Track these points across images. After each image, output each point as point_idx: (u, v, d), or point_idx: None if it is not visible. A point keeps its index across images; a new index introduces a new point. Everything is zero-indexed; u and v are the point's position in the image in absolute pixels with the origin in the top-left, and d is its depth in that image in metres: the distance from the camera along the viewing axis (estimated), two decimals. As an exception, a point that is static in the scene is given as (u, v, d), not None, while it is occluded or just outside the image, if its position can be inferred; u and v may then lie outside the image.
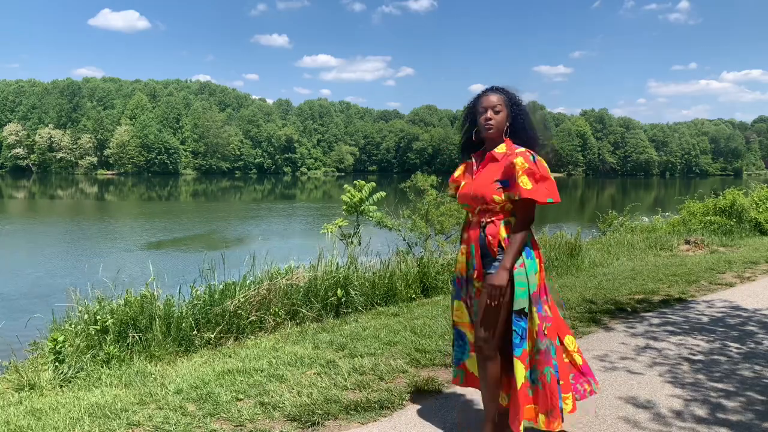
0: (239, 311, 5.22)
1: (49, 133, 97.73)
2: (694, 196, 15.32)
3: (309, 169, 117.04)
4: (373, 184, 10.63)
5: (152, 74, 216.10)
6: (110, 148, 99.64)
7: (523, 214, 2.82)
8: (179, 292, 5.46)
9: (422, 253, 7.91)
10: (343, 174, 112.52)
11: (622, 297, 6.52)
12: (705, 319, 5.66)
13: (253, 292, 5.42)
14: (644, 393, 3.70)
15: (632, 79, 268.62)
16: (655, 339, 4.93)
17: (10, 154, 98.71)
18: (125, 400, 3.54)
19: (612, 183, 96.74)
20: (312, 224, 26.11)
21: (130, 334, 4.70)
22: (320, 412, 3.34)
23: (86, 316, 4.85)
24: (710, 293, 6.86)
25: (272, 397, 3.55)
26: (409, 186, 11.25)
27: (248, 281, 5.73)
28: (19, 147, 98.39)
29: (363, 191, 10.41)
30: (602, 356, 4.44)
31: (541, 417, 2.86)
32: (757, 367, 4.22)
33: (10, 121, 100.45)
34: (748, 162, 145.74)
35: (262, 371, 4.01)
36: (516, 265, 2.79)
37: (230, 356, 4.49)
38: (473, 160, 3.01)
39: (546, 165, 2.85)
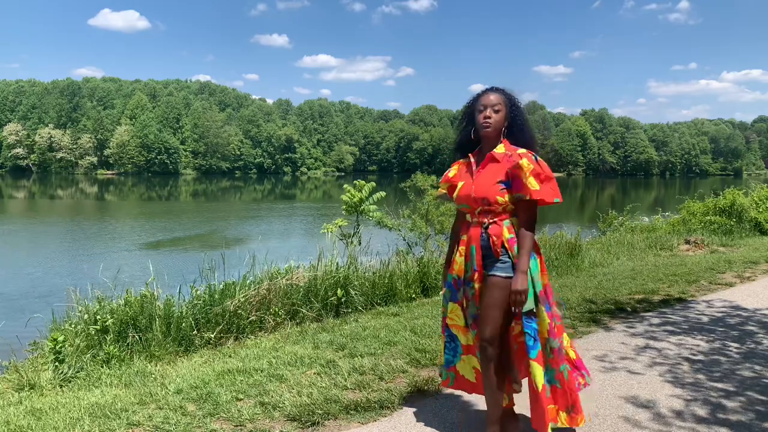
0: (239, 311, 5.22)
1: (49, 133, 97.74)
2: (694, 196, 15.32)
3: (309, 169, 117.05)
4: (373, 184, 10.64)
5: (152, 74, 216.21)
6: (110, 148, 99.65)
7: (529, 215, 2.84)
8: (179, 292, 5.45)
9: (422, 253, 7.91)
10: (343, 174, 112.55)
11: (622, 297, 6.52)
12: (705, 319, 5.66)
13: (253, 292, 5.42)
14: (644, 393, 3.70)
15: (632, 79, 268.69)
16: (655, 339, 4.93)
17: (10, 154, 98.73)
18: (125, 400, 3.54)
19: (612, 183, 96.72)
20: (312, 224, 26.12)
21: (130, 334, 4.70)
22: (320, 412, 3.34)
23: (86, 316, 4.85)
24: (710, 293, 6.86)
25: (272, 397, 3.55)
26: (409, 186, 11.26)
27: (248, 281, 5.73)
28: (19, 147, 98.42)
29: (363, 191, 10.41)
30: (602, 356, 4.44)
31: (563, 415, 2.88)
32: (757, 367, 4.22)
33: (10, 121, 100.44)
34: (748, 162, 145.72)
35: (262, 371, 4.01)
36: None
37: (230, 356, 4.49)
38: (472, 159, 2.97)
39: (547, 166, 2.87)
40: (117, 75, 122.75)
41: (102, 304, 4.98)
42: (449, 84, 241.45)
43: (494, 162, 2.88)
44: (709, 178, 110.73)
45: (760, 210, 13.58)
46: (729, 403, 3.55)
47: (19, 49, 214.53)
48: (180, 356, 4.71)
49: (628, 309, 5.99)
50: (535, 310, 2.82)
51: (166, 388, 3.73)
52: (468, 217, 2.95)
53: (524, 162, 2.78)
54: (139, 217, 31.81)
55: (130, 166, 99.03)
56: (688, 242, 10.84)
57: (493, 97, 2.89)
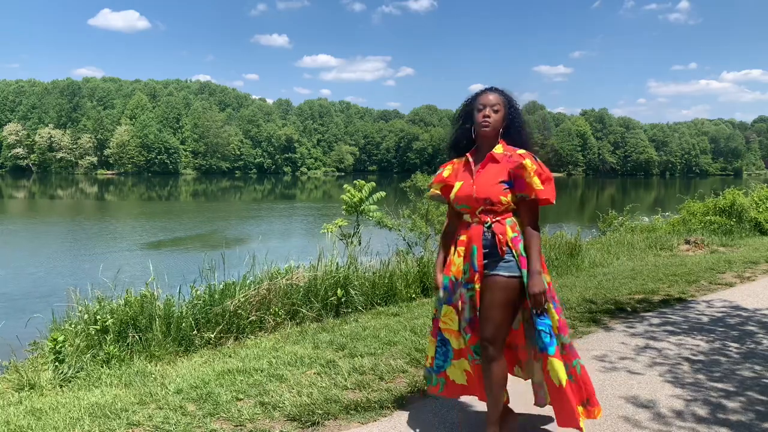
0: (239, 311, 5.22)
1: (49, 133, 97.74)
2: (694, 196, 15.32)
3: (309, 169, 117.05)
4: (373, 184, 10.63)
5: (152, 74, 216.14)
6: (110, 148, 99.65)
7: (534, 215, 2.86)
8: (179, 292, 5.45)
9: (422, 253, 7.92)
10: (343, 174, 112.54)
11: (622, 297, 6.52)
12: (705, 319, 5.66)
13: (253, 292, 5.42)
14: (644, 393, 3.70)
15: (632, 79, 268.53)
16: (655, 339, 4.93)
17: (10, 154, 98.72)
18: (125, 400, 3.54)
19: (612, 183, 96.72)
20: (312, 224, 26.12)
21: (130, 334, 4.70)
22: (320, 412, 3.34)
23: (86, 316, 4.85)
24: (710, 293, 6.86)
25: (272, 396, 3.55)
26: (409, 186, 11.26)
27: (248, 281, 5.73)
28: (19, 147, 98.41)
29: (363, 191, 10.41)
30: (602, 356, 4.44)
31: (579, 408, 2.88)
32: (757, 367, 4.22)
33: (10, 121, 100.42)
34: (748, 162, 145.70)
35: (262, 371, 4.01)
36: (525, 266, 2.80)
37: (230, 356, 4.49)
38: (470, 159, 2.96)
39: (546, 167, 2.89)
40: (117, 75, 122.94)
41: (102, 304, 4.98)
42: (449, 84, 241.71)
43: (494, 162, 2.88)
44: (709, 178, 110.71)
45: (760, 210, 13.58)
46: (729, 403, 3.55)
47: (19, 49, 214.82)
48: (180, 356, 4.71)
49: (628, 309, 5.99)
50: (546, 307, 2.83)
51: (166, 388, 3.73)
52: (467, 217, 2.92)
53: (527, 162, 2.80)
54: (139, 217, 31.81)
55: (130, 166, 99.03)
56: (688, 242, 10.84)
57: (492, 97, 2.88)
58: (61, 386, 4.09)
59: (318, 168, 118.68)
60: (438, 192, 3.09)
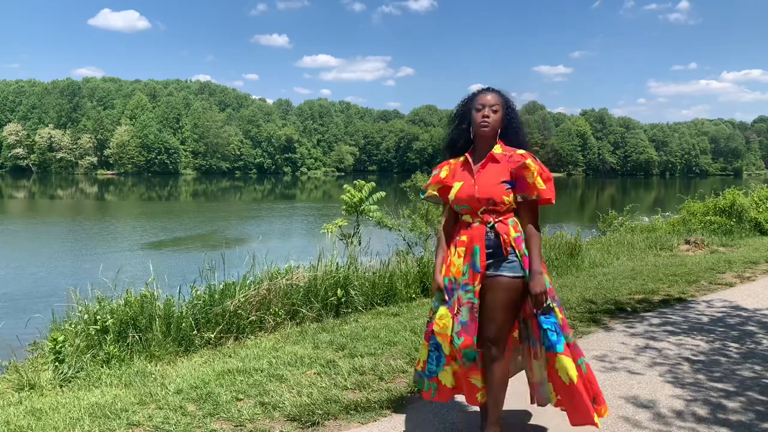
0: (239, 311, 5.22)
1: (49, 133, 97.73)
2: (694, 196, 15.31)
3: (309, 169, 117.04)
4: (373, 184, 10.62)
5: (152, 74, 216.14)
6: (110, 148, 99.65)
7: (535, 215, 2.87)
8: (179, 292, 5.45)
9: (422, 253, 7.92)
10: (343, 174, 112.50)
11: (622, 297, 6.52)
12: (705, 319, 5.66)
13: (253, 292, 5.42)
14: (644, 393, 3.70)
15: (632, 79, 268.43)
16: (655, 339, 4.93)
17: (10, 154, 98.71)
18: (125, 400, 3.54)
19: (612, 183, 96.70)
20: (312, 224, 26.11)
21: (130, 334, 4.70)
22: (320, 412, 3.34)
23: (86, 316, 4.85)
24: (710, 293, 6.86)
25: (272, 397, 3.55)
26: (409, 186, 11.24)
27: (248, 281, 5.73)
28: (19, 147, 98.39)
29: (363, 191, 10.39)
30: (602, 356, 4.44)
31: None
32: (757, 367, 4.22)
33: (10, 121, 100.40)
34: (748, 162, 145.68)
35: (262, 371, 4.01)
36: (528, 266, 2.80)
37: (230, 356, 4.49)
38: (469, 159, 2.94)
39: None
40: (117, 75, 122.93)
41: (102, 304, 4.98)
42: (449, 84, 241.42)
43: (494, 162, 2.87)
44: (709, 178, 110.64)
45: (760, 210, 13.58)
46: (729, 403, 3.55)
47: (19, 49, 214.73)
48: (180, 356, 4.71)
49: (628, 309, 5.99)
50: (551, 306, 2.83)
51: (166, 388, 3.73)
52: (467, 217, 2.91)
53: (530, 162, 2.80)
54: (139, 217, 31.81)
55: (130, 166, 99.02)
56: (688, 242, 10.84)
57: (490, 97, 2.88)
58: (61, 386, 4.09)
59: (318, 168, 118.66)
60: (435, 193, 3.05)
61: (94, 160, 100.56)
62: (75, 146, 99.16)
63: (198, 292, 5.34)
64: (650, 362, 4.32)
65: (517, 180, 2.83)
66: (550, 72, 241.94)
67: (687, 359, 4.40)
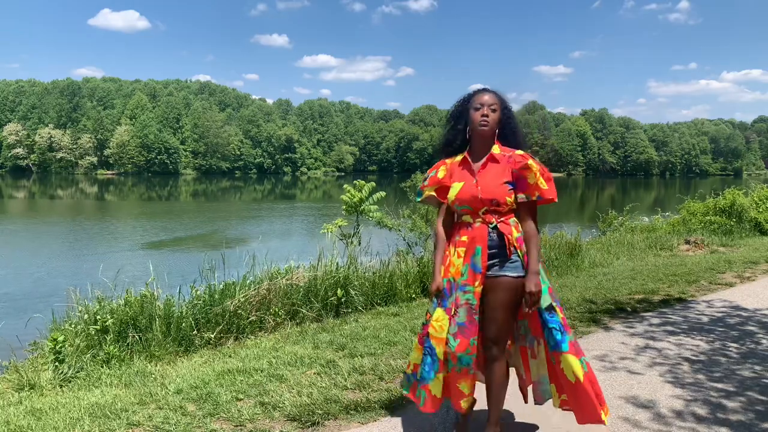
0: (239, 311, 5.22)
1: (49, 133, 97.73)
2: (694, 196, 15.31)
3: (309, 169, 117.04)
4: (373, 184, 10.62)
5: (152, 74, 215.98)
6: (110, 148, 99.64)
7: (535, 215, 2.88)
8: (179, 292, 5.45)
9: (422, 253, 7.91)
10: (343, 174, 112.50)
11: (622, 297, 6.52)
12: (705, 319, 5.66)
13: (253, 292, 5.42)
14: (644, 393, 3.70)
15: (632, 79, 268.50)
16: (655, 339, 4.93)
17: (10, 154, 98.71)
18: (125, 400, 3.54)
19: (612, 183, 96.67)
20: (312, 224, 26.11)
21: (130, 334, 4.70)
22: (320, 412, 3.34)
23: (86, 316, 4.85)
24: (710, 293, 6.86)
25: (272, 397, 3.56)
26: (409, 186, 11.24)
27: (248, 281, 5.73)
28: (19, 147, 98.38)
29: (363, 191, 10.40)
30: (602, 356, 4.44)
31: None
32: (757, 367, 4.22)
33: (10, 121, 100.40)
34: (748, 162, 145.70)
35: (262, 371, 4.01)
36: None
37: (230, 356, 4.49)
38: (469, 159, 2.92)
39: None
40: (117, 75, 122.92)
41: (102, 304, 4.98)
42: (449, 84, 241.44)
43: (494, 162, 2.87)
44: (709, 178, 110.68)
45: (760, 210, 13.58)
46: (729, 403, 3.55)
47: (19, 49, 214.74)
48: (180, 356, 4.71)
49: (628, 309, 5.99)
50: (553, 305, 2.84)
51: (166, 388, 3.73)
52: (468, 218, 2.89)
53: (531, 163, 2.82)
54: (139, 217, 31.80)
55: (130, 166, 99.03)
56: (688, 242, 10.84)
57: (488, 97, 2.87)
58: (61, 386, 4.09)
59: (318, 168, 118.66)
60: (433, 194, 3.00)
61: (94, 160, 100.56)
62: (75, 146, 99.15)
63: (198, 292, 5.34)
64: (650, 362, 4.32)
65: (518, 180, 2.83)
66: (550, 72, 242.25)
67: (687, 359, 4.40)
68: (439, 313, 2.88)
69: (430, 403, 2.94)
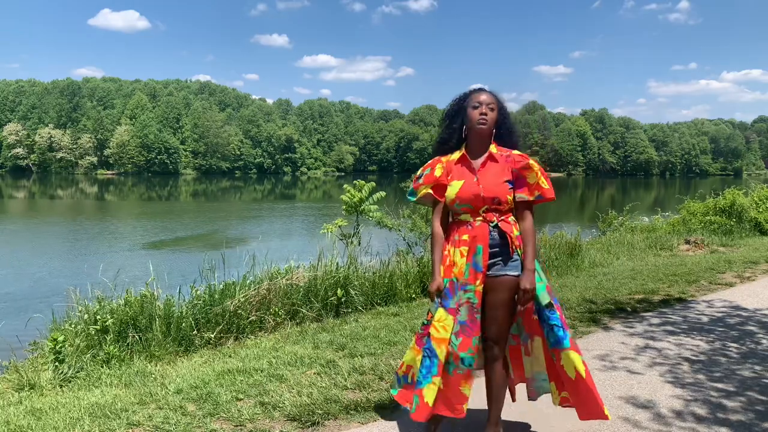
0: (239, 311, 5.22)
1: (49, 133, 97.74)
2: (694, 196, 15.31)
3: (309, 169, 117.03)
4: (373, 184, 10.63)
5: (152, 74, 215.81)
6: (110, 148, 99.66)
7: (532, 213, 2.89)
8: (179, 292, 5.45)
9: (422, 253, 7.91)
10: (343, 174, 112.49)
11: (622, 297, 6.52)
12: (705, 318, 5.66)
13: (253, 292, 5.42)
14: (644, 393, 3.70)
15: (632, 79, 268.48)
16: (655, 339, 4.93)
17: (10, 154, 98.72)
18: (125, 400, 3.54)
19: (612, 183, 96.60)
20: (312, 224, 26.10)
21: (130, 334, 4.70)
22: (320, 412, 3.34)
23: (86, 316, 4.85)
24: (710, 293, 6.86)
25: (272, 397, 3.56)
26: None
27: (248, 281, 5.73)
28: (19, 147, 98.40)
29: (363, 191, 10.40)
30: (602, 356, 4.44)
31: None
32: (757, 367, 4.22)
33: (10, 121, 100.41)
34: (748, 162, 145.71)
35: (262, 371, 4.01)
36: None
37: (230, 356, 4.49)
38: (468, 158, 2.90)
39: None
40: (117, 75, 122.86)
41: (102, 304, 4.98)
42: (449, 84, 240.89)
43: (493, 161, 2.87)
44: (709, 178, 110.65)
45: (760, 210, 13.58)
46: (729, 403, 3.55)
47: (19, 49, 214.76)
48: (180, 356, 4.71)
49: (628, 309, 5.99)
50: (552, 302, 2.85)
51: (166, 388, 3.73)
52: (467, 217, 2.86)
53: (532, 162, 2.85)
54: (139, 217, 31.80)
55: (130, 166, 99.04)
56: (688, 242, 10.84)
57: (486, 96, 2.88)
58: (61, 386, 4.09)
59: (318, 168, 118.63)
60: (430, 192, 2.95)
61: (94, 160, 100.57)
62: (75, 146, 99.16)
63: (198, 292, 5.33)
64: (650, 362, 4.32)
65: (518, 179, 2.85)
66: (550, 72, 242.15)
67: (687, 359, 4.40)
68: (441, 313, 2.83)
69: (420, 410, 2.84)
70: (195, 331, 4.96)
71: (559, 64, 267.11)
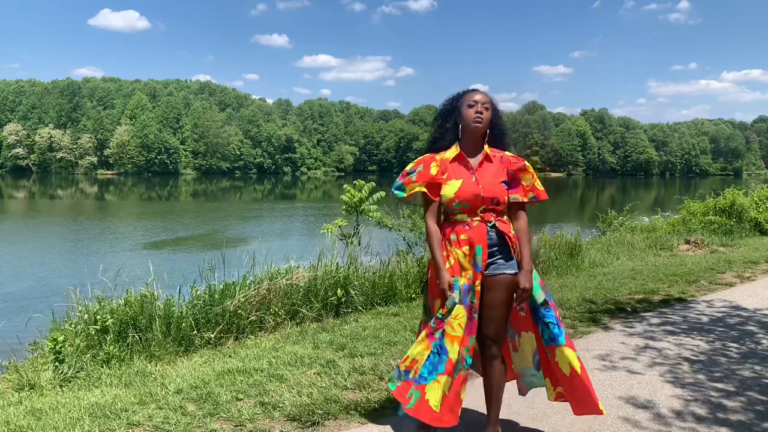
0: (239, 311, 5.22)
1: (49, 133, 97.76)
2: (694, 196, 15.31)
3: (309, 169, 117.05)
4: (373, 184, 10.62)
5: (152, 74, 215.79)
6: (110, 148, 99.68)
7: (526, 213, 2.92)
8: (179, 292, 5.45)
9: (422, 253, 7.91)
10: (343, 174, 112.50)
11: (622, 297, 6.52)
12: (705, 318, 5.66)
13: (253, 292, 5.42)
14: (644, 393, 3.70)
15: (632, 79, 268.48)
16: (654, 339, 4.93)
17: (10, 154, 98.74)
18: (125, 400, 3.54)
19: (612, 183, 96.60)
20: (312, 224, 26.10)
21: (130, 334, 4.70)
22: (320, 412, 3.34)
23: (86, 316, 4.85)
24: (710, 293, 6.86)
25: (272, 397, 3.55)
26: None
27: (248, 281, 5.73)
28: (19, 147, 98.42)
29: (363, 191, 10.39)
30: (602, 356, 4.44)
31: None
32: (757, 367, 4.22)
33: (10, 121, 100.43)
34: (748, 162, 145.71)
35: (262, 371, 4.01)
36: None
37: (230, 356, 4.49)
38: (465, 157, 2.87)
39: None
40: (117, 75, 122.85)
41: (102, 304, 4.98)
42: (449, 84, 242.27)
43: (488, 161, 2.88)
44: (709, 178, 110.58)
45: (760, 210, 13.58)
46: (729, 403, 3.55)
47: (19, 49, 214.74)
48: (180, 356, 4.71)
49: (628, 309, 5.99)
50: (547, 300, 2.86)
51: (166, 388, 3.73)
52: (464, 216, 2.83)
53: (528, 165, 2.91)
54: (139, 217, 31.80)
55: (130, 166, 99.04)
56: (688, 242, 10.84)
57: (481, 96, 2.88)
58: (61, 386, 4.09)
59: (318, 168, 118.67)
60: (424, 190, 2.88)
61: (94, 160, 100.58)
62: (75, 146, 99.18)
63: (198, 292, 5.33)
64: (650, 362, 4.32)
65: (513, 180, 2.88)
66: (550, 72, 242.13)
67: (687, 359, 4.40)
68: (459, 310, 2.74)
69: (422, 409, 2.75)
70: (195, 331, 4.96)
71: (559, 64, 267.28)
